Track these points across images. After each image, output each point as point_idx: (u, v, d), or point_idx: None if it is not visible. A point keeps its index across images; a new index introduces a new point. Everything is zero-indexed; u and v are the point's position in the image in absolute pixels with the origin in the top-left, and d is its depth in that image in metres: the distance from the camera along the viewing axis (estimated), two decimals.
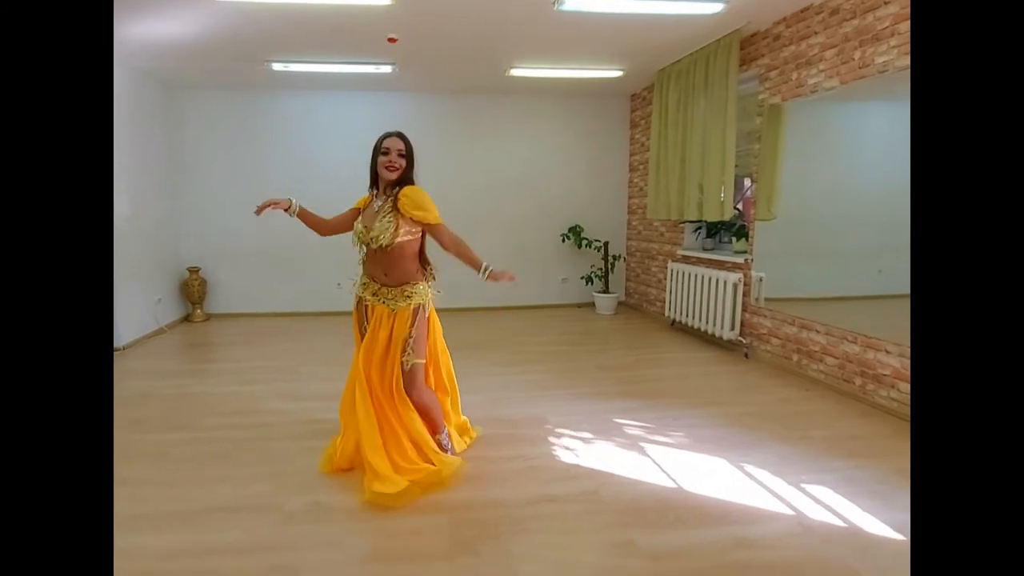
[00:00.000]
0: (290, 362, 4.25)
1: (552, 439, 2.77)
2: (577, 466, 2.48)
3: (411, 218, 2.27)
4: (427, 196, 2.30)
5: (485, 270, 2.36)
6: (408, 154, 2.32)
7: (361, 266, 2.45)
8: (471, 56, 4.67)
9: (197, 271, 5.82)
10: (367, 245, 2.32)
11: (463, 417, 2.77)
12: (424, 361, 2.40)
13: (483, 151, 6.22)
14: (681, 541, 1.94)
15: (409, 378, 2.34)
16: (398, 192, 2.28)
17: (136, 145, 5.00)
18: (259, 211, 2.33)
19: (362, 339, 2.41)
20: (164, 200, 5.60)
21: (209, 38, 4.09)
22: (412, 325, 2.33)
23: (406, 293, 2.33)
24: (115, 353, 4.50)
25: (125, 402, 3.36)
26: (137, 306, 4.94)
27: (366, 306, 2.42)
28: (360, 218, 2.37)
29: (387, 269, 2.33)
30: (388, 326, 2.34)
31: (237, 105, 5.85)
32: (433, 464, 2.32)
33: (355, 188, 6.57)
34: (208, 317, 5.95)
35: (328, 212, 5.96)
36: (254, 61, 4.73)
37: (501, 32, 4.07)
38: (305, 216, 2.47)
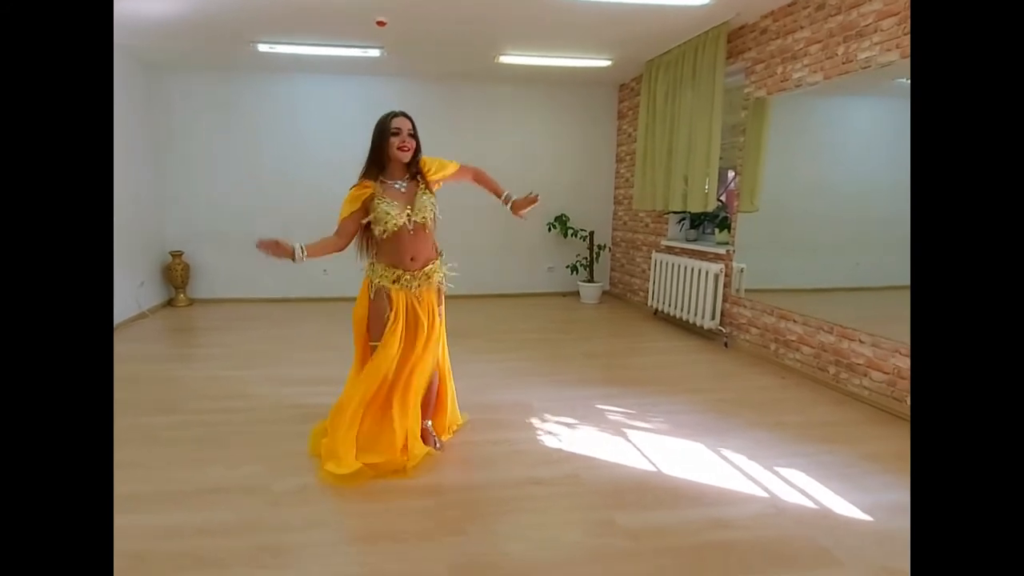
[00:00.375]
0: (276, 347, 4.25)
1: (536, 424, 2.83)
2: (560, 450, 2.54)
3: (440, 182, 2.35)
4: (435, 158, 2.38)
5: (507, 198, 2.43)
6: (416, 132, 2.30)
7: (375, 257, 2.35)
8: (460, 41, 4.65)
9: (180, 255, 5.76)
10: (401, 228, 2.22)
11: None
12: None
13: (471, 138, 6.21)
14: (659, 521, 2.01)
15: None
16: (419, 168, 2.31)
17: (118, 126, 4.91)
18: (264, 250, 2.13)
19: (384, 329, 2.29)
20: (147, 182, 5.51)
21: (192, 15, 4.02)
22: (440, 303, 2.41)
23: (428, 274, 2.34)
24: None
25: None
26: (119, 290, 4.88)
27: (389, 295, 2.30)
28: (382, 204, 2.21)
29: (415, 252, 2.29)
30: (417, 312, 2.31)
31: (223, 87, 5.75)
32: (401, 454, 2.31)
33: (342, 172, 6.50)
34: (191, 302, 5.90)
35: (316, 197, 5.95)
36: (239, 41, 4.66)
37: (490, 17, 4.06)
38: (314, 251, 2.24)
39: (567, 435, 2.70)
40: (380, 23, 4.13)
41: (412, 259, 2.29)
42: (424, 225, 2.27)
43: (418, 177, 2.30)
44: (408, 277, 2.30)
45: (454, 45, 4.76)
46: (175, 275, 5.73)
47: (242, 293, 6.06)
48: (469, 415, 2.88)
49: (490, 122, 6.22)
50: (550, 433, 2.72)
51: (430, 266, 2.34)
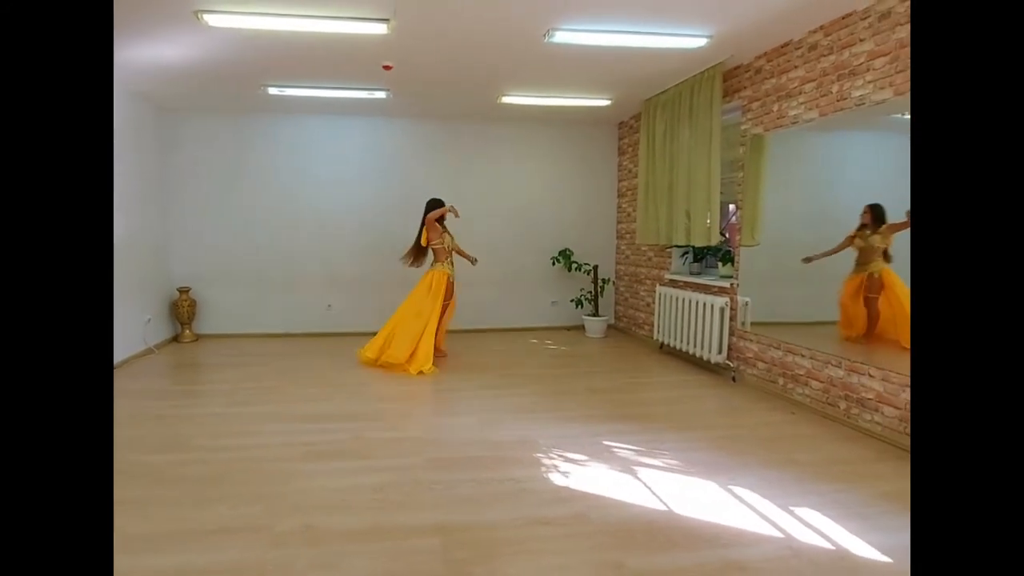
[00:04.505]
0: (280, 383, 4.23)
1: (543, 461, 2.78)
2: (567, 488, 2.50)
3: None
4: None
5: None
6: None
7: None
8: (464, 83, 4.79)
9: (187, 291, 5.80)
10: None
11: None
12: None
13: (475, 176, 6.32)
14: (671, 563, 1.95)
15: None
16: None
17: (131, 166, 5.03)
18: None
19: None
20: (157, 220, 5.60)
21: (206, 63, 4.17)
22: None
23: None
24: None
25: (117, 422, 3.33)
26: (127, 326, 4.91)
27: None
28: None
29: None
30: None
31: (231, 128, 5.90)
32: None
33: (347, 210, 6.65)
34: (197, 338, 5.91)
35: (321, 235, 6.13)
36: (250, 86, 4.81)
37: (493, 61, 4.19)
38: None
39: (574, 473, 2.66)
40: (386, 67, 4.26)
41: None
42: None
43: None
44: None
45: (457, 87, 4.90)
46: (182, 311, 5.75)
47: (247, 329, 6.08)
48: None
49: (494, 160, 6.35)
50: (557, 471, 2.68)
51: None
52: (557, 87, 4.95)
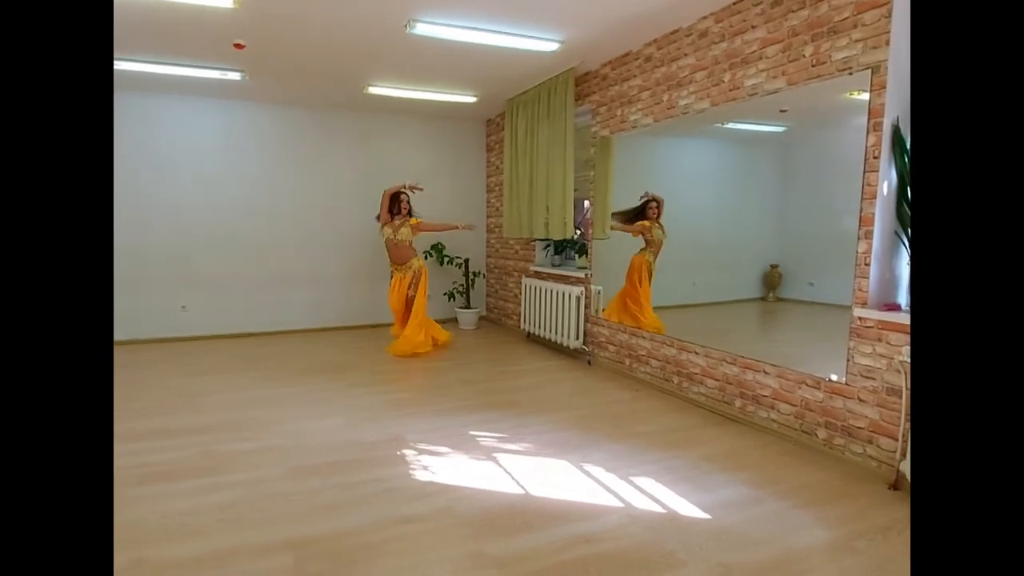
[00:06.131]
0: (119, 397, 3.79)
1: (410, 458, 2.81)
2: (433, 483, 2.55)
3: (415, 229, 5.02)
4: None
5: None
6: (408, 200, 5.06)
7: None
8: (325, 70, 4.58)
9: None
10: (387, 240, 5.00)
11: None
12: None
13: (343, 168, 6.09)
14: (526, 545, 2.08)
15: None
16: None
17: None
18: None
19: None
20: None
21: None
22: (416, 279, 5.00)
23: (407, 267, 5.01)
24: None
25: None
26: None
27: (392, 275, 5.11)
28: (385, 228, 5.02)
29: (394, 256, 5.04)
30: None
31: None
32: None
33: (204, 199, 6.03)
34: None
35: (174, 222, 5.53)
36: None
37: (354, 48, 4.05)
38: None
39: (440, 466, 2.72)
40: (238, 46, 3.95)
41: (393, 260, 5.05)
42: (400, 242, 4.96)
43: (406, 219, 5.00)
44: (395, 268, 5.05)
45: (320, 73, 4.67)
46: None
47: None
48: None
49: (362, 152, 6.15)
50: (423, 466, 2.72)
51: (406, 264, 4.99)
52: (424, 81, 4.92)
